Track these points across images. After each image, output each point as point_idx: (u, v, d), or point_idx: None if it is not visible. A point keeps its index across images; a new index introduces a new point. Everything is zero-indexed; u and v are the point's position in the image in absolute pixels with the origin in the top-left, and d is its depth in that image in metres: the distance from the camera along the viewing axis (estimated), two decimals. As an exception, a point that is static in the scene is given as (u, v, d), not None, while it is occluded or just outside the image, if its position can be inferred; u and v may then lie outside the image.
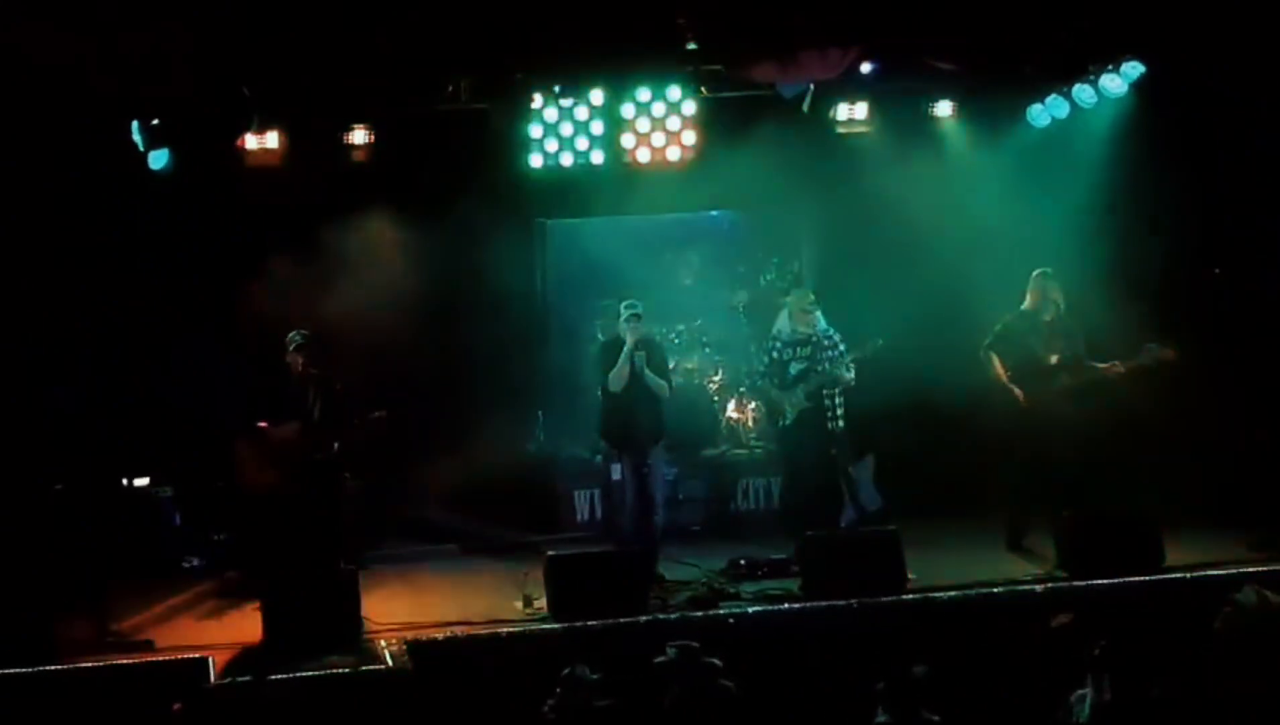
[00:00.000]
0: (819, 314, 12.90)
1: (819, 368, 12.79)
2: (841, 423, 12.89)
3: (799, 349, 12.92)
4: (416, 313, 14.30)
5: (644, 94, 14.20)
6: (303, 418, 12.66)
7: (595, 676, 8.70)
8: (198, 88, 12.95)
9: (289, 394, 12.77)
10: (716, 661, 8.80)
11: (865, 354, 12.75)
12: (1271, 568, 11.35)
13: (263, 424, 12.63)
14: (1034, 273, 13.00)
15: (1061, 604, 11.19)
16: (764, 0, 12.87)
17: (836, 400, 12.84)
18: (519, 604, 11.69)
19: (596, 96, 14.15)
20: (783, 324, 13.07)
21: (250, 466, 12.61)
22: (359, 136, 14.01)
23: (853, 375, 12.77)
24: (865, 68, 13.80)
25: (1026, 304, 12.99)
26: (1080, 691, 8.21)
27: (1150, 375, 12.81)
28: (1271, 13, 12.95)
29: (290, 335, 12.83)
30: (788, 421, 12.96)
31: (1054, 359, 12.80)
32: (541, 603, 11.51)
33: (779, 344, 13.02)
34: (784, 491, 14.14)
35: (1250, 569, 11.30)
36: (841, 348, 12.83)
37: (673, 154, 14.38)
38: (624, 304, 12.74)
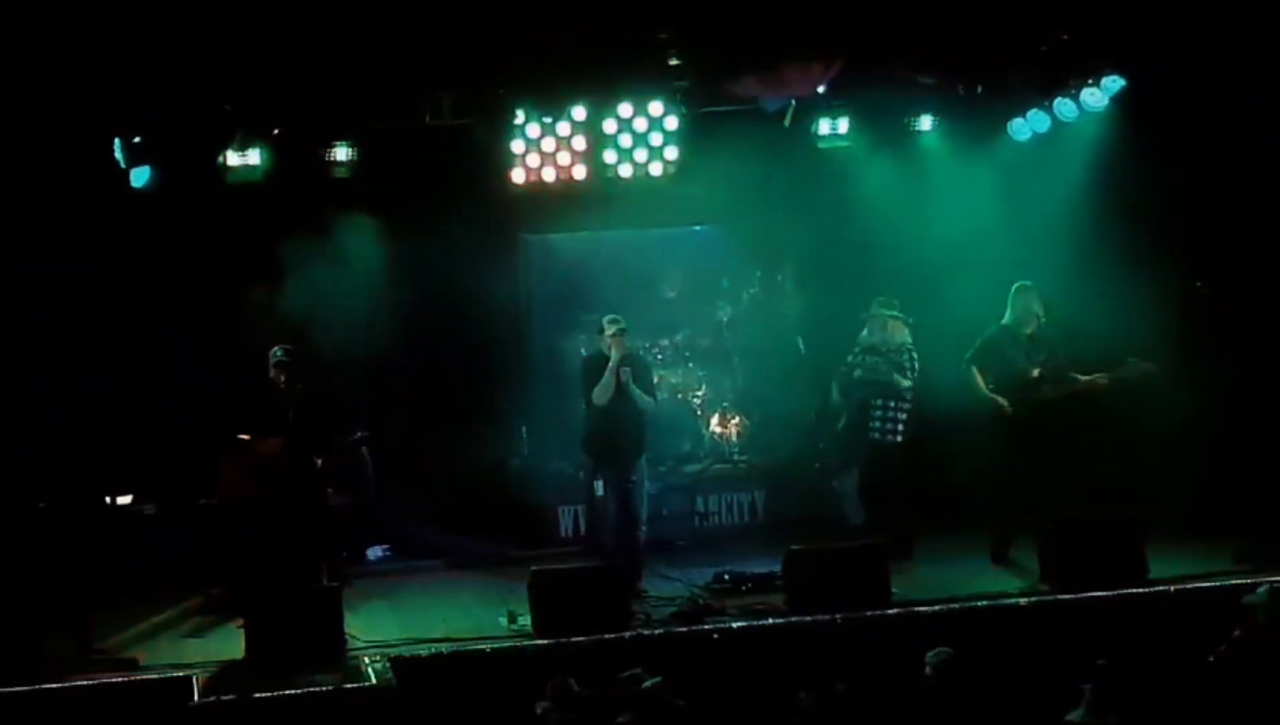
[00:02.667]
0: (905, 328, 13.15)
1: (876, 378, 13.03)
2: (898, 438, 13.07)
3: (868, 357, 13.21)
4: (399, 328, 14.30)
5: (626, 109, 14.21)
6: (285, 433, 12.63)
7: (579, 688, 8.68)
8: (180, 105, 12.98)
9: (272, 409, 12.73)
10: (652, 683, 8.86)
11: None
12: (1255, 580, 11.38)
13: (245, 437, 12.61)
14: (1015, 286, 13.02)
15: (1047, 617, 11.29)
16: (746, 15, 12.89)
17: (880, 412, 12.98)
18: (503, 620, 11.67)
19: (579, 112, 14.16)
20: (868, 330, 13.33)
21: (232, 477, 12.58)
22: (341, 153, 13.97)
23: (909, 384, 12.98)
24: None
25: (1008, 317, 13.01)
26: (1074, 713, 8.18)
27: (1132, 389, 12.84)
28: (1250, 25, 13.01)
29: (272, 351, 12.78)
30: (840, 426, 13.39)
31: (1036, 372, 12.82)
32: (526, 619, 11.50)
33: (858, 349, 13.34)
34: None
35: (1234, 581, 11.34)
36: (910, 363, 13.06)
37: (655, 169, 14.40)
38: (607, 319, 12.74)
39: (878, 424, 13.12)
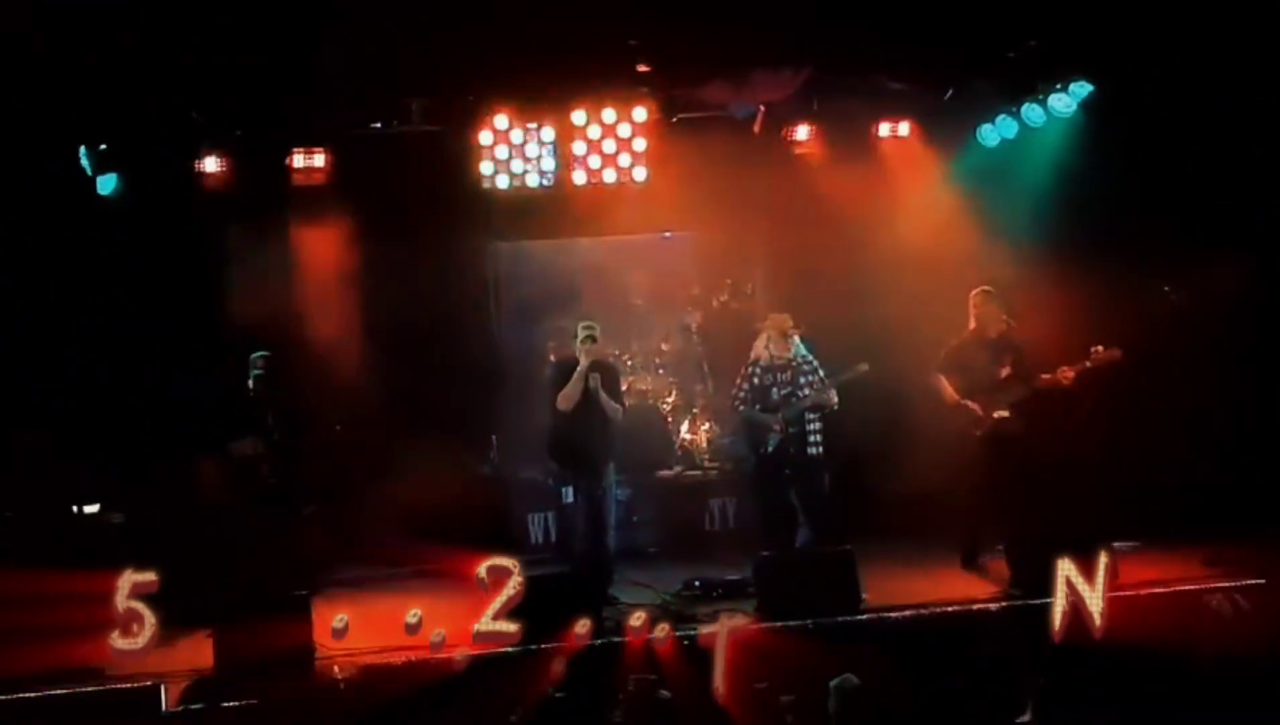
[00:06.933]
0: (797, 338, 12.86)
1: (801, 393, 12.74)
2: (821, 449, 12.83)
3: (779, 374, 12.82)
4: (370, 334, 14.26)
5: (596, 116, 14.21)
6: (262, 438, 12.60)
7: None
8: (148, 113, 12.95)
9: (249, 416, 12.70)
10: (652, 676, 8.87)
11: (850, 377, 12.72)
12: (1227, 584, 11.44)
13: (225, 444, 12.61)
14: (975, 292, 13.02)
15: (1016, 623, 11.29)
16: (715, 22, 12.89)
17: (817, 425, 12.80)
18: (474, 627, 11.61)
19: (549, 119, 14.16)
20: (761, 348, 12.97)
21: (210, 484, 12.57)
22: (311, 159, 13.97)
23: (836, 398, 12.75)
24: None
25: (972, 324, 13.01)
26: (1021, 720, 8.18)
27: (1098, 378, 12.81)
28: (1216, 32, 13.06)
29: (252, 357, 12.78)
30: (769, 448, 12.82)
31: (1004, 372, 12.82)
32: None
33: (758, 369, 12.90)
34: (763, 519, 13.36)
35: (1209, 584, 11.39)
36: (820, 372, 12.80)
37: (625, 175, 14.40)
38: (581, 325, 12.71)
39: (814, 440, 12.90)
